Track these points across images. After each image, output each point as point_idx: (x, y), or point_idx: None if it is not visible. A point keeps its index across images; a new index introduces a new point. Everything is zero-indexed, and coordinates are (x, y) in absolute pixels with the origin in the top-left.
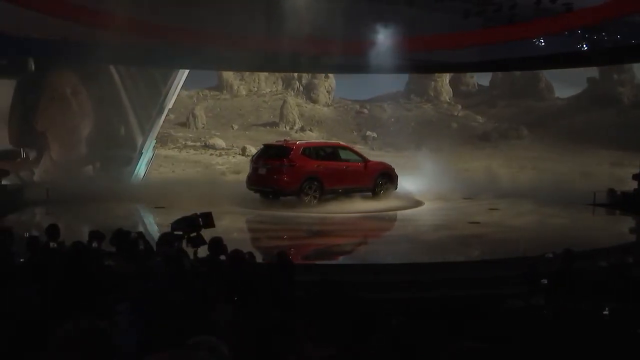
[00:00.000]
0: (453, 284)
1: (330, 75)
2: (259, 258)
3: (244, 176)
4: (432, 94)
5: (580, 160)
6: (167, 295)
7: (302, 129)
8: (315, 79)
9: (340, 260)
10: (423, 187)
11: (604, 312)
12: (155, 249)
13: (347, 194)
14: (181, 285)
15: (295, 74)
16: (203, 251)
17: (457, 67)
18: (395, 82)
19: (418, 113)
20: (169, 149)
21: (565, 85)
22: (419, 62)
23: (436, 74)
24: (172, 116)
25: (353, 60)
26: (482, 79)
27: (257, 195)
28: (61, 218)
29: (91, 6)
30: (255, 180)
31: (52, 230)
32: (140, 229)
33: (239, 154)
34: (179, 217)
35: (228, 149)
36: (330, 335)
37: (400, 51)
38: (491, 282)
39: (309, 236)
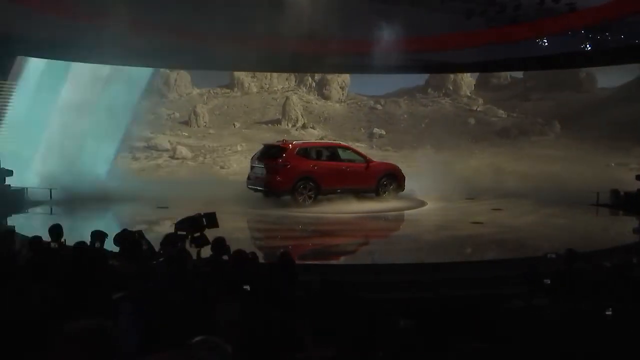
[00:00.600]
0: (455, 284)
1: None
2: (261, 258)
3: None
4: (451, 88)
5: (603, 158)
6: (168, 295)
7: (304, 127)
8: (328, 75)
9: (342, 260)
10: (428, 187)
11: (607, 313)
12: (158, 249)
13: (348, 194)
14: (182, 285)
15: None
16: (207, 251)
17: (459, 67)
18: (414, 77)
19: (435, 108)
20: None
21: (611, 74)
22: (421, 62)
23: None
24: (177, 114)
25: (356, 60)
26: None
27: (260, 195)
28: (64, 218)
29: (91, 6)
30: (253, 180)
31: (56, 231)
32: (143, 229)
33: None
34: (182, 217)
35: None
36: (331, 335)
37: (403, 51)
38: (493, 283)
39: (310, 236)
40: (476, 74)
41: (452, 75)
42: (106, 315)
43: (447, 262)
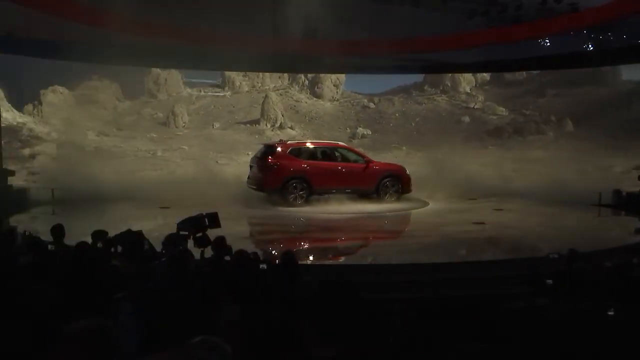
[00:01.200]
0: (456, 284)
1: None
2: (262, 258)
3: None
4: (449, 85)
5: (607, 159)
6: (168, 295)
7: (281, 127)
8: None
9: (342, 260)
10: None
11: (609, 313)
12: (160, 249)
13: (351, 195)
14: (183, 285)
15: None
16: (209, 251)
17: (459, 68)
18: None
19: (429, 106)
20: None
21: (638, 66)
22: (422, 62)
23: None
24: (160, 115)
25: (356, 60)
26: None
27: (261, 194)
28: (66, 218)
29: (92, 5)
30: (251, 179)
31: (57, 231)
32: (146, 229)
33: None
34: (184, 217)
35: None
36: (333, 335)
37: (403, 51)
38: (495, 283)
39: (310, 236)
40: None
41: (450, 72)
42: (107, 315)
43: (448, 262)
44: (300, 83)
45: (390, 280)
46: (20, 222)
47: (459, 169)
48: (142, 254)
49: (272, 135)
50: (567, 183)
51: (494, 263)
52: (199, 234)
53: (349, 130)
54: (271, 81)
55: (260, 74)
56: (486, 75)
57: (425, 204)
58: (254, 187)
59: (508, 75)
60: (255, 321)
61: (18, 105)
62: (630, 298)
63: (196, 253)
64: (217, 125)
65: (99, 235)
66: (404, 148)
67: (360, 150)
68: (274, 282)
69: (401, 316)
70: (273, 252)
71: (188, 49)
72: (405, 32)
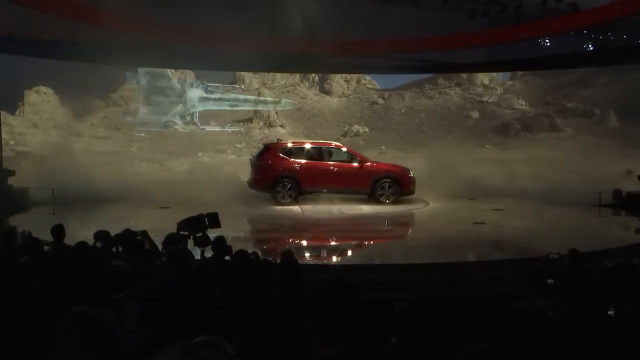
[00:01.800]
0: (456, 284)
1: None
2: (262, 257)
3: None
4: (464, 77)
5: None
6: (172, 295)
7: (271, 125)
8: None
9: (343, 260)
10: (427, 184)
11: (609, 313)
12: (161, 249)
13: (336, 194)
14: (186, 285)
15: None
16: (209, 251)
17: (460, 67)
18: None
19: (439, 101)
20: None
21: None
22: (422, 62)
23: None
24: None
25: (356, 60)
26: None
27: (261, 194)
28: (66, 218)
29: (91, 5)
30: (248, 178)
31: (58, 231)
32: (146, 229)
33: None
34: (185, 217)
35: None
36: (336, 335)
37: (404, 51)
38: (495, 283)
39: (310, 236)
40: None
41: None
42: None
43: (448, 262)
44: (311, 79)
45: (390, 280)
46: (20, 222)
47: (451, 169)
48: (143, 253)
49: (259, 134)
50: (570, 184)
51: (495, 263)
52: (199, 234)
53: (346, 127)
54: (282, 78)
55: None
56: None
57: (426, 204)
58: (249, 185)
59: None
60: (258, 320)
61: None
62: (631, 298)
63: (196, 253)
64: (213, 123)
65: (101, 235)
66: (382, 147)
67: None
68: (274, 282)
69: (402, 316)
70: (272, 252)
71: (188, 49)
72: (406, 32)
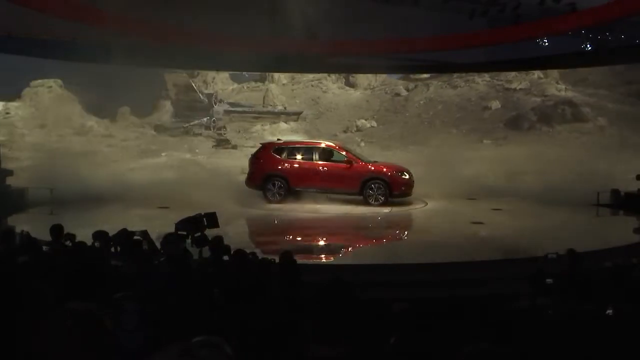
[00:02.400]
0: (455, 284)
1: None
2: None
3: None
4: None
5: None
6: (171, 295)
7: (274, 121)
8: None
9: (341, 260)
10: (425, 184)
11: (607, 312)
12: (159, 249)
13: (325, 194)
14: (185, 285)
15: None
16: (206, 251)
17: (460, 67)
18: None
19: (463, 90)
20: None
21: None
22: (422, 62)
23: None
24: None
25: (356, 60)
26: None
27: (260, 193)
28: (65, 218)
29: (92, 6)
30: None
31: (56, 231)
32: (144, 229)
33: None
34: (183, 217)
35: None
36: (336, 335)
37: (404, 51)
38: (494, 283)
39: (309, 236)
40: None
41: None
42: (107, 314)
43: (447, 262)
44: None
45: (389, 280)
46: (18, 222)
47: (449, 167)
48: (141, 253)
49: (259, 130)
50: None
51: (494, 263)
52: (198, 234)
53: (350, 123)
54: None
55: None
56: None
57: (425, 203)
58: (245, 183)
59: None
60: (257, 320)
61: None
62: (630, 298)
63: (194, 253)
64: (228, 128)
65: (99, 235)
66: (362, 144)
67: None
68: (274, 282)
69: (401, 316)
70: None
71: (188, 49)
72: (405, 32)
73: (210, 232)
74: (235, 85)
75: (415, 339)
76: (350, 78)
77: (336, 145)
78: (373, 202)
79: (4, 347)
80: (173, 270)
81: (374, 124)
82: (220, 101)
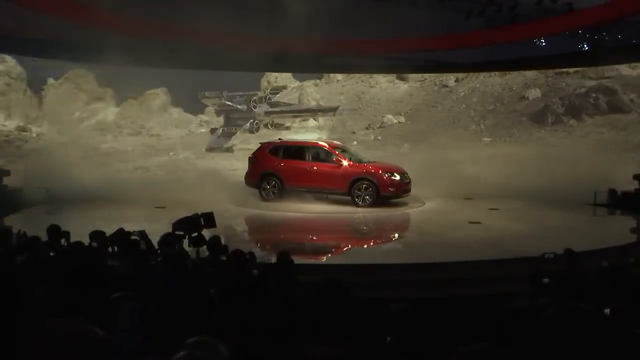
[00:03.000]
0: (453, 284)
1: None
2: (259, 257)
3: None
4: None
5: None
6: (168, 295)
7: (304, 118)
8: None
9: (340, 260)
10: (423, 184)
11: (605, 312)
12: (156, 249)
13: (316, 194)
14: (183, 285)
15: None
16: (205, 251)
17: (460, 67)
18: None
19: (509, 79)
20: None
21: None
22: (421, 62)
23: None
24: None
25: (355, 60)
26: None
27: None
28: (61, 218)
29: (90, 6)
30: None
31: (53, 231)
32: (141, 229)
33: None
34: (180, 217)
35: None
36: (335, 335)
37: (403, 51)
38: (491, 283)
39: (307, 235)
40: None
41: None
42: (104, 315)
43: (446, 262)
44: None
45: (386, 280)
46: (15, 222)
47: (450, 166)
48: (138, 253)
49: (290, 126)
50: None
51: (491, 263)
52: (195, 234)
53: (380, 118)
54: None
55: None
56: None
57: (422, 203)
58: (244, 181)
59: None
60: (255, 321)
61: None
62: (627, 297)
63: (192, 253)
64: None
65: (96, 235)
66: (379, 139)
67: (356, 145)
68: (271, 282)
69: (399, 316)
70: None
71: (188, 49)
72: (403, 32)
73: (208, 233)
74: (294, 84)
75: (414, 338)
76: None
77: (328, 145)
78: (360, 202)
79: (4, 347)
80: (170, 270)
81: (402, 119)
82: (261, 102)
